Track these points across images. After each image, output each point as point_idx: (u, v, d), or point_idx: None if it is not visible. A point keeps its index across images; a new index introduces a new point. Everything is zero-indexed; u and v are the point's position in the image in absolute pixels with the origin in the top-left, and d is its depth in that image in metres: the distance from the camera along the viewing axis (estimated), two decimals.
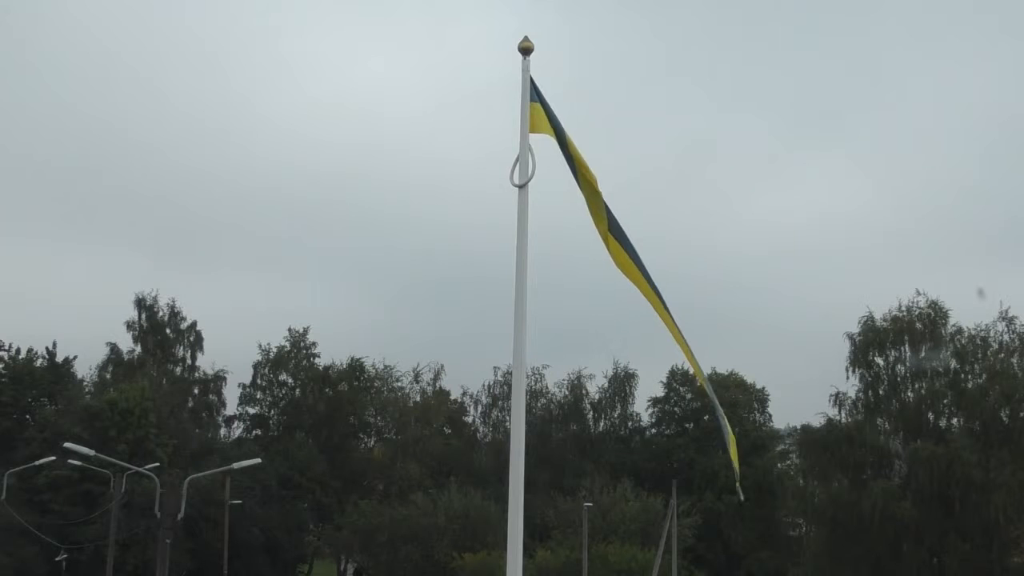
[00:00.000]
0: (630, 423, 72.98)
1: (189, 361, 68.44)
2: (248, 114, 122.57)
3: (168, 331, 67.50)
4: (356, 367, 69.95)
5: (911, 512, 45.62)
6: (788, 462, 67.82)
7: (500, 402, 71.02)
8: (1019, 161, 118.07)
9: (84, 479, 49.79)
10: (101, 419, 53.06)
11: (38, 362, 60.93)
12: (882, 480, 48.91)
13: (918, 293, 50.68)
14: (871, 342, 50.47)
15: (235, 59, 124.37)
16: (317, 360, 70.19)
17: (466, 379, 75.42)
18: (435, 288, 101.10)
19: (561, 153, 8.27)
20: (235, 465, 41.99)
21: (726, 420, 8.47)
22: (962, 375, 49.21)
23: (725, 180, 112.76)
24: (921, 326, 50.03)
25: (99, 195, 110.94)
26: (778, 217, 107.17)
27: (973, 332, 49.33)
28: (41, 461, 46.55)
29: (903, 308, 50.35)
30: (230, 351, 75.56)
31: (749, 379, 70.08)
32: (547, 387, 71.39)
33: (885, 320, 50.49)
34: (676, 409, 70.86)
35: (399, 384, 71.96)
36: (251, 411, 70.59)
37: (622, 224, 8.24)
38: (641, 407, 72.22)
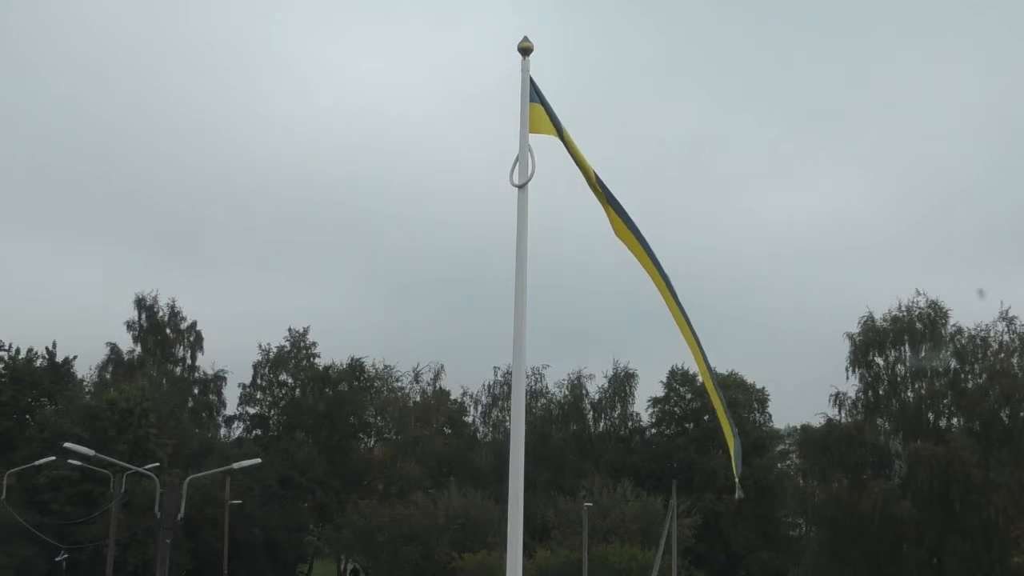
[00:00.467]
0: (630, 423, 72.95)
1: (189, 361, 68.48)
2: (248, 114, 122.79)
3: (168, 331, 67.51)
4: (356, 367, 69.93)
5: (911, 512, 45.64)
6: (788, 462, 67.81)
7: (500, 402, 70.98)
8: (1019, 161, 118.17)
9: (84, 479, 49.78)
10: (101, 419, 53.06)
11: (38, 362, 60.90)
12: (882, 480, 48.96)
13: (918, 293, 50.79)
14: (871, 342, 50.48)
15: (236, 59, 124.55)
16: (317, 360, 70.24)
17: (466, 379, 75.42)
18: (435, 288, 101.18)
19: (567, 152, 8.27)
20: (235, 465, 41.96)
21: (727, 416, 8.45)
22: (962, 375, 49.24)
23: (725, 180, 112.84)
24: (921, 326, 50.06)
25: (99, 195, 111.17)
26: (778, 217, 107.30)
27: (973, 332, 49.41)
28: (41, 461, 46.53)
29: (903, 308, 50.43)
30: (230, 351, 75.63)
31: (749, 379, 70.09)
32: (547, 387, 71.42)
33: (885, 320, 50.53)
34: (676, 409, 70.84)
35: (399, 384, 71.99)
36: (251, 411, 70.61)
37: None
38: (641, 407, 72.29)
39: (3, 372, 59.02)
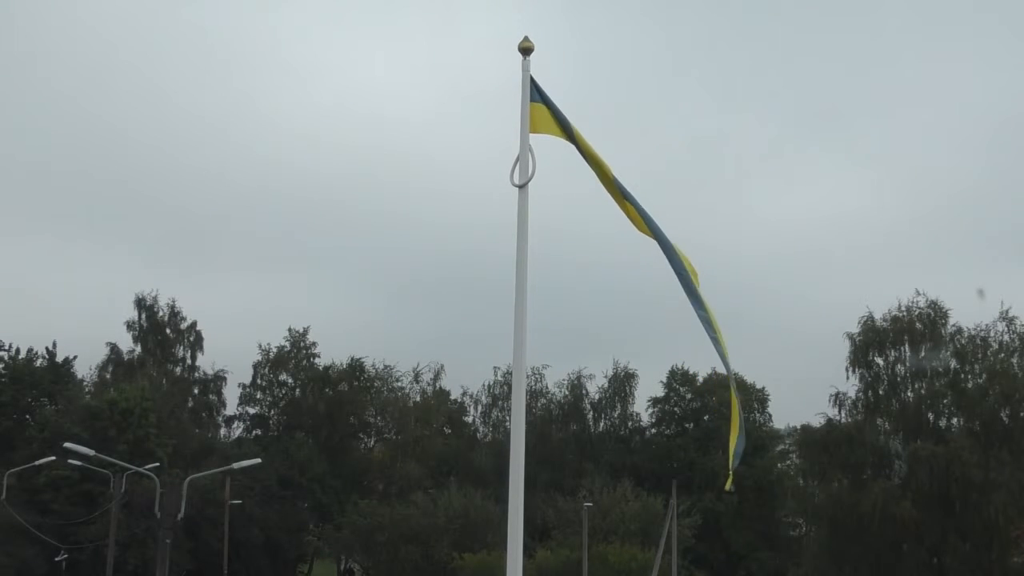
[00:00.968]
0: (630, 423, 72.96)
1: (189, 361, 68.49)
2: (249, 114, 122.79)
3: (168, 331, 67.50)
4: (356, 367, 69.93)
5: (911, 512, 45.60)
6: (788, 462, 67.80)
7: (500, 402, 71.00)
8: (1019, 161, 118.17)
9: (84, 479, 49.77)
10: (101, 419, 53.05)
11: (38, 362, 60.91)
12: (882, 480, 48.93)
13: (918, 293, 50.77)
14: (871, 342, 50.46)
15: (236, 59, 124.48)
16: (317, 360, 70.27)
17: (466, 379, 75.53)
18: (435, 288, 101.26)
19: (577, 152, 8.27)
20: (235, 465, 41.97)
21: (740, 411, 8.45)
22: (962, 375, 49.22)
23: (725, 180, 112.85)
24: (921, 326, 50.04)
25: (99, 195, 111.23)
26: (778, 217, 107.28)
27: (973, 332, 49.38)
28: (41, 461, 46.53)
29: (903, 308, 50.39)
30: (230, 351, 75.68)
31: (749, 379, 70.01)
32: (547, 387, 71.46)
33: (885, 320, 50.51)
34: (676, 409, 70.84)
35: (399, 384, 72.02)
36: (251, 411, 70.64)
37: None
38: (641, 407, 72.30)
39: (3, 372, 59.02)
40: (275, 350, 69.76)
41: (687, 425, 69.89)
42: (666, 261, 8.20)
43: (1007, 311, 48.74)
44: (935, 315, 50.07)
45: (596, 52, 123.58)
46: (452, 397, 73.50)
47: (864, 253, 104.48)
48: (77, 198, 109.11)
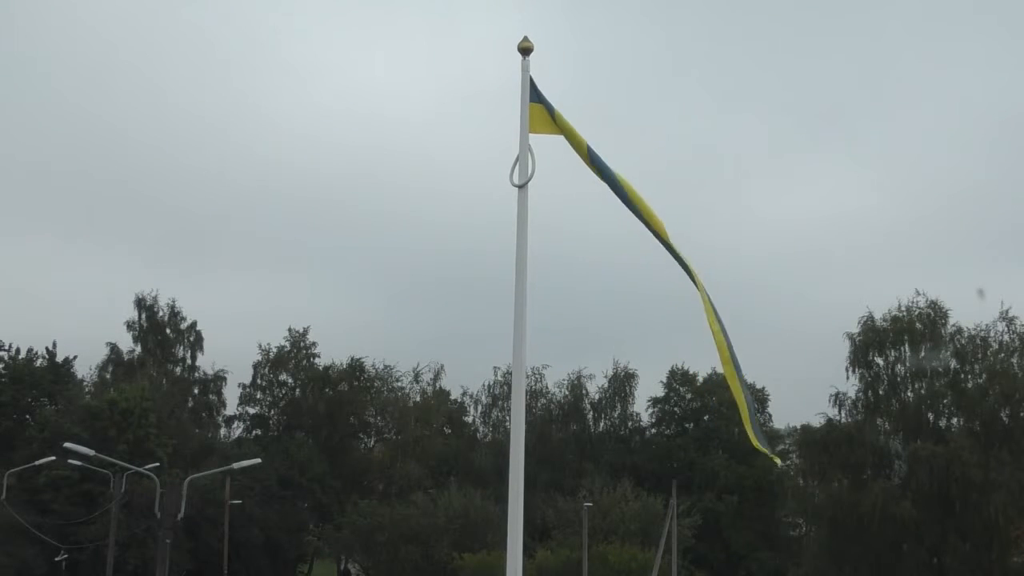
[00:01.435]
0: (630, 423, 72.99)
1: (189, 361, 68.48)
2: (249, 114, 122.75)
3: (168, 331, 67.50)
4: (356, 367, 69.94)
5: (911, 512, 45.62)
6: (788, 462, 67.80)
7: (500, 402, 71.01)
8: (1020, 161, 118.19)
9: (84, 479, 49.76)
10: (101, 419, 53.03)
11: (38, 362, 60.90)
12: (882, 480, 48.94)
13: (918, 293, 50.79)
14: (871, 342, 50.48)
15: (237, 59, 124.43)
16: (317, 360, 70.26)
17: (466, 379, 75.46)
18: (435, 288, 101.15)
19: (570, 149, 8.27)
20: (235, 465, 41.97)
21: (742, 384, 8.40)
22: (962, 375, 49.25)
23: (726, 179, 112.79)
24: (921, 326, 50.05)
25: (99, 195, 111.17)
26: (779, 217, 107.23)
27: (973, 332, 49.39)
28: (41, 461, 46.51)
29: (903, 308, 50.41)
30: (230, 351, 75.57)
31: (749, 379, 69.53)
32: (547, 387, 71.48)
33: (885, 320, 50.52)
34: (676, 409, 70.87)
35: (399, 384, 72.02)
36: (251, 411, 70.65)
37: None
38: (641, 407, 72.32)
39: (3, 372, 59.02)
40: (275, 350, 69.79)
41: (687, 425, 69.92)
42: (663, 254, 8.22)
43: (1007, 311, 48.83)
44: (935, 315, 50.08)
45: (596, 52, 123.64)
46: (452, 397, 73.55)
47: (864, 253, 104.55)
48: (77, 198, 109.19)
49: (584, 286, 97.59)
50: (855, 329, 50.72)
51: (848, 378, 50.67)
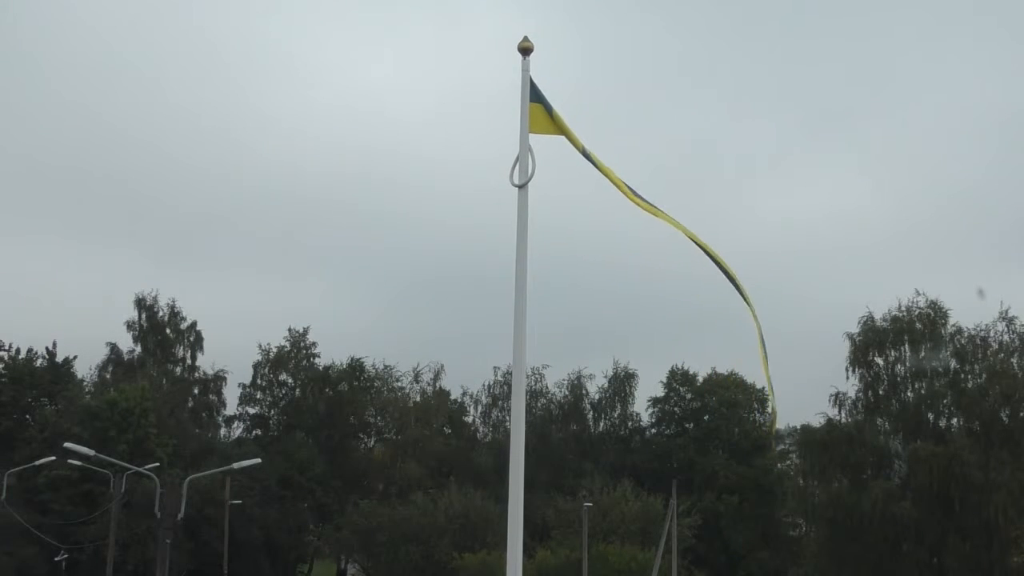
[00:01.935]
0: (630, 423, 72.95)
1: (189, 361, 68.45)
2: (249, 114, 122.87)
3: (168, 331, 67.49)
4: (356, 367, 69.96)
5: (911, 512, 45.63)
6: (788, 462, 67.80)
7: (500, 402, 70.98)
8: (1020, 161, 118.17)
9: (84, 479, 49.80)
10: (101, 419, 53.06)
11: (38, 362, 60.94)
12: (882, 480, 48.93)
13: (918, 293, 50.77)
14: (871, 342, 50.47)
15: (238, 58, 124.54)
16: (317, 360, 70.29)
17: (466, 379, 75.38)
18: (435, 288, 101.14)
19: (575, 150, 8.28)
20: (235, 465, 41.98)
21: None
22: (962, 375, 49.22)
23: (727, 179, 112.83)
24: (921, 326, 50.04)
25: (99, 195, 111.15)
26: (779, 216, 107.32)
27: (973, 332, 49.38)
28: (41, 461, 46.54)
29: (903, 308, 50.40)
30: (230, 351, 75.56)
31: (749, 379, 69.96)
32: (547, 387, 71.41)
33: (885, 320, 50.52)
34: (676, 409, 70.82)
35: (399, 384, 72.03)
36: (251, 411, 70.64)
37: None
38: (641, 407, 72.25)
39: (3, 372, 59.06)
40: (275, 350, 69.79)
41: (687, 425, 69.86)
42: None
43: (1007, 311, 48.82)
44: (935, 315, 50.07)
45: (598, 52, 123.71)
46: (452, 397, 73.50)
47: (864, 253, 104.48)
48: (77, 198, 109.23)
49: (584, 286, 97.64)
50: (855, 329, 50.77)
51: (848, 378, 50.65)
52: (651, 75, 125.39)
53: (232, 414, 70.34)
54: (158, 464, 47.03)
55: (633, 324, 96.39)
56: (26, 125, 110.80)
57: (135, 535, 48.89)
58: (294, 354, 70.16)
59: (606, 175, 8.16)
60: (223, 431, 70.73)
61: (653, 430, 72.20)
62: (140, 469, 40.99)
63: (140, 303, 66.87)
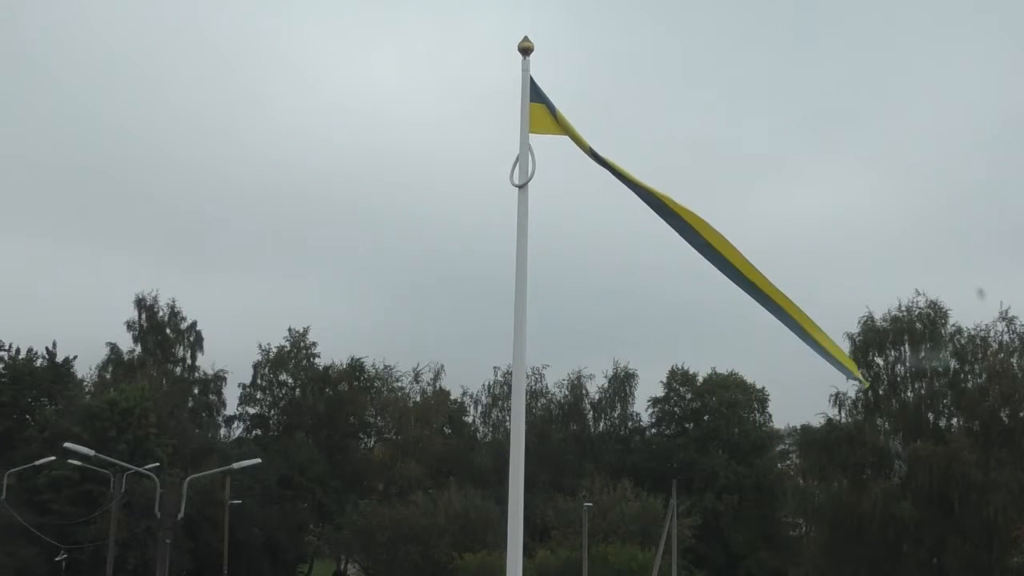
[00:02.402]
0: (630, 423, 72.96)
1: (189, 361, 68.47)
2: (250, 113, 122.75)
3: (168, 331, 67.51)
4: (356, 367, 69.96)
5: (911, 512, 45.65)
6: (788, 462, 67.83)
7: (500, 402, 70.99)
8: (1020, 161, 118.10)
9: (84, 479, 49.75)
10: (101, 419, 53.01)
11: (38, 362, 60.89)
12: (882, 480, 48.96)
13: (918, 293, 50.83)
14: (871, 342, 50.51)
15: (239, 58, 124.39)
16: (317, 360, 70.27)
17: (466, 379, 75.42)
18: (435, 288, 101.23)
19: (575, 150, 8.28)
20: (235, 465, 42.00)
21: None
22: (962, 375, 49.27)
23: (728, 179, 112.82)
24: (921, 326, 50.08)
25: (100, 194, 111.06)
26: (779, 216, 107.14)
27: (973, 332, 49.45)
28: (41, 461, 46.53)
29: (903, 308, 50.45)
30: (230, 351, 75.58)
31: (749, 379, 70.01)
32: (547, 387, 71.44)
33: (885, 320, 50.55)
34: (676, 409, 70.83)
35: (399, 384, 72.04)
36: (251, 411, 70.64)
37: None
38: (641, 407, 72.28)
39: (3, 372, 59.02)
40: (275, 350, 69.79)
41: (687, 425, 69.87)
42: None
43: (1007, 311, 48.89)
44: (935, 315, 50.11)
45: (601, 52, 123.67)
46: (452, 397, 73.48)
47: (864, 253, 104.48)
48: (78, 197, 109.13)
49: (584, 286, 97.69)
50: (855, 329, 50.82)
51: (848, 378, 50.61)
52: (652, 75, 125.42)
53: (232, 414, 70.47)
54: (158, 464, 47.00)
55: (633, 324, 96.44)
56: (26, 125, 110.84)
57: (135, 535, 48.85)
58: (294, 354, 70.16)
59: (616, 171, 8.13)
60: (223, 431, 70.83)
61: (653, 430, 72.21)
62: (140, 469, 40.98)
63: (140, 303, 66.91)
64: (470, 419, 74.33)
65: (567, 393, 71.56)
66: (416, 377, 72.29)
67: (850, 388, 51.06)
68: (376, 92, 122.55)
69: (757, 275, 8.14)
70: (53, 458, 45.96)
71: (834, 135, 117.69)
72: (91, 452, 37.85)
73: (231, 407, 69.91)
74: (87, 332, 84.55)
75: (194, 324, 67.87)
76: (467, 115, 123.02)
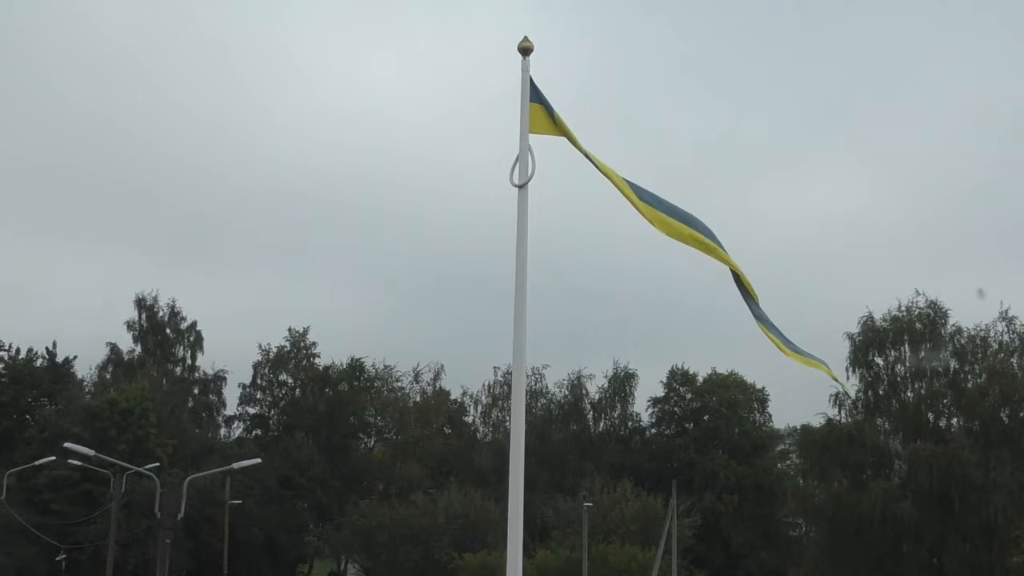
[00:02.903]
0: (630, 423, 72.95)
1: (189, 361, 68.54)
2: (251, 113, 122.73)
3: (168, 331, 67.56)
4: (356, 367, 69.94)
5: (911, 512, 45.64)
6: (788, 462, 67.79)
7: (500, 402, 70.98)
8: (1021, 161, 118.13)
9: (84, 479, 49.80)
10: (101, 419, 53.06)
11: (38, 362, 60.94)
12: (882, 480, 48.93)
13: (918, 293, 50.81)
14: (871, 342, 50.50)
15: (240, 58, 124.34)
16: (317, 360, 70.25)
17: (466, 379, 75.44)
18: (435, 288, 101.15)
19: (575, 150, 8.27)
20: (235, 465, 42.01)
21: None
22: (962, 375, 49.24)
23: (728, 179, 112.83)
24: (921, 326, 50.07)
25: (100, 194, 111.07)
26: (779, 216, 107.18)
27: (973, 332, 49.40)
28: (41, 461, 46.59)
29: (903, 308, 50.43)
30: (230, 351, 75.54)
31: (749, 379, 69.98)
32: (547, 387, 71.42)
33: (885, 320, 50.54)
34: (676, 409, 70.81)
35: (399, 384, 72.01)
36: (251, 411, 70.66)
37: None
38: (641, 407, 72.25)
39: (3, 372, 59.06)
40: (275, 350, 69.81)
41: (687, 425, 69.85)
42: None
43: (1007, 311, 48.84)
44: (935, 315, 50.09)
45: (602, 52, 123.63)
46: (452, 397, 73.51)
47: (864, 253, 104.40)
48: (78, 197, 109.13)
49: (584, 286, 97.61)
50: (855, 329, 50.79)
51: (848, 378, 50.54)
52: (652, 75, 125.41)
53: (232, 414, 70.51)
54: (158, 464, 47.04)
55: (633, 324, 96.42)
56: (26, 124, 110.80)
57: (135, 535, 48.89)
58: (294, 354, 70.16)
59: (609, 177, 8.15)
60: (223, 431, 70.89)
61: (653, 430, 72.18)
62: (140, 469, 41.01)
63: (140, 303, 66.97)
64: (470, 419, 74.39)
65: (567, 393, 71.57)
66: (416, 377, 72.38)
67: (850, 388, 51.18)
68: (376, 92, 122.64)
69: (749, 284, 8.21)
70: (53, 458, 46.00)
71: (834, 135, 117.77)
72: (91, 452, 37.87)
73: (231, 407, 70.08)
74: (87, 332, 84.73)
75: (194, 324, 68.00)
76: (467, 115, 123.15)
